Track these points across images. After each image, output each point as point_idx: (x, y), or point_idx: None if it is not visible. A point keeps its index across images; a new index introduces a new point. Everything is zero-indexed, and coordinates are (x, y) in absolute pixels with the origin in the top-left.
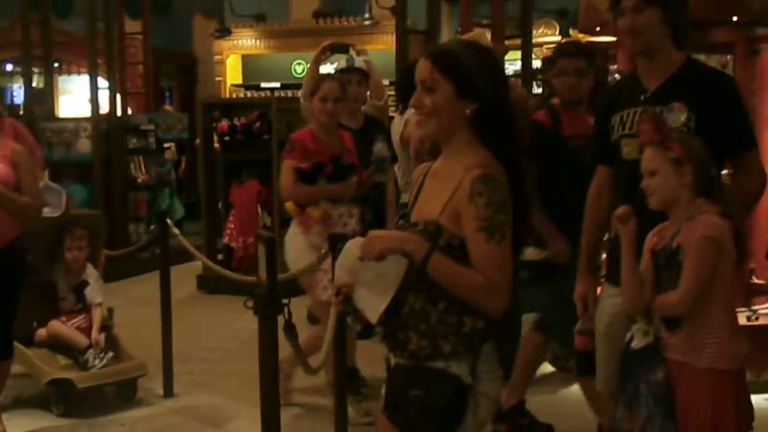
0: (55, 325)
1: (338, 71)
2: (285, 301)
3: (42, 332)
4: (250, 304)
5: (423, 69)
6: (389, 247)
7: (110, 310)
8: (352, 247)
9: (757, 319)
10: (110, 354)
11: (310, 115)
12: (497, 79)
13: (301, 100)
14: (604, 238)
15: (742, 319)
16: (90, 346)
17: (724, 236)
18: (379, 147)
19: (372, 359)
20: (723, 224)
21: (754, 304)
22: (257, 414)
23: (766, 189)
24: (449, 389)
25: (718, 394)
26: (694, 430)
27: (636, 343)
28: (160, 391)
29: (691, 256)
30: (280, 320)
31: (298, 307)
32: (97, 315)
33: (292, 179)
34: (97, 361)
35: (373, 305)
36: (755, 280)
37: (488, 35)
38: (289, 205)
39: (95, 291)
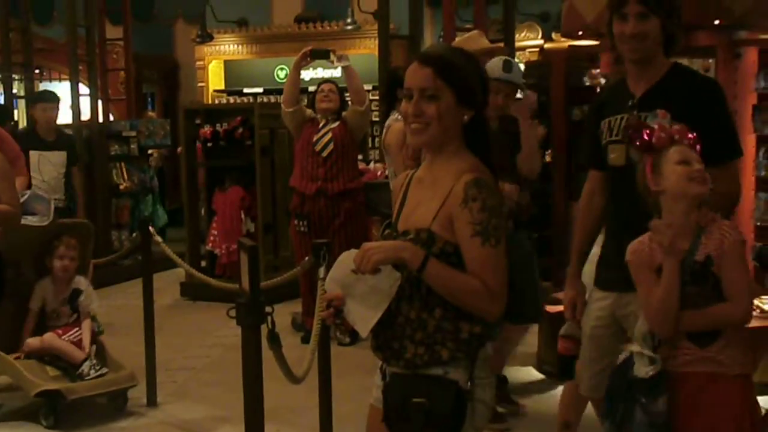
0: (51, 339)
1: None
2: (268, 309)
3: (33, 342)
4: (233, 313)
5: (423, 76)
6: (384, 257)
7: (95, 319)
8: (346, 259)
9: None
10: (105, 370)
11: (290, 122)
12: (486, 84)
13: (283, 106)
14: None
15: None
16: (86, 359)
17: None
18: None
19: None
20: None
21: None
22: (241, 423)
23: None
24: (451, 395)
25: (749, 396)
26: None
27: (645, 372)
28: (144, 400)
29: (735, 262)
30: (264, 328)
31: (281, 315)
32: (87, 325)
33: None
34: (92, 371)
35: (365, 319)
36: None
37: (484, 38)
38: None
39: (89, 298)
